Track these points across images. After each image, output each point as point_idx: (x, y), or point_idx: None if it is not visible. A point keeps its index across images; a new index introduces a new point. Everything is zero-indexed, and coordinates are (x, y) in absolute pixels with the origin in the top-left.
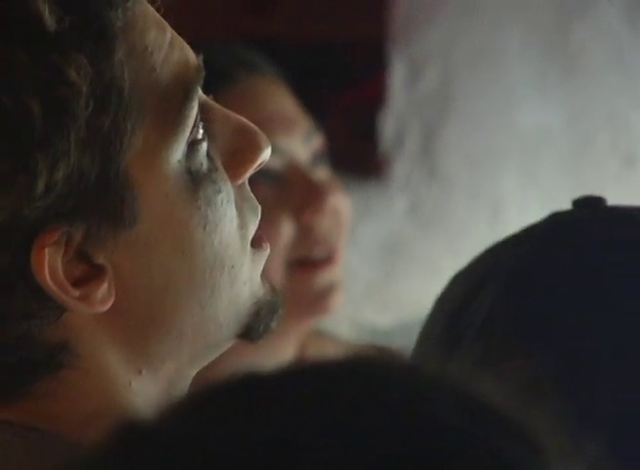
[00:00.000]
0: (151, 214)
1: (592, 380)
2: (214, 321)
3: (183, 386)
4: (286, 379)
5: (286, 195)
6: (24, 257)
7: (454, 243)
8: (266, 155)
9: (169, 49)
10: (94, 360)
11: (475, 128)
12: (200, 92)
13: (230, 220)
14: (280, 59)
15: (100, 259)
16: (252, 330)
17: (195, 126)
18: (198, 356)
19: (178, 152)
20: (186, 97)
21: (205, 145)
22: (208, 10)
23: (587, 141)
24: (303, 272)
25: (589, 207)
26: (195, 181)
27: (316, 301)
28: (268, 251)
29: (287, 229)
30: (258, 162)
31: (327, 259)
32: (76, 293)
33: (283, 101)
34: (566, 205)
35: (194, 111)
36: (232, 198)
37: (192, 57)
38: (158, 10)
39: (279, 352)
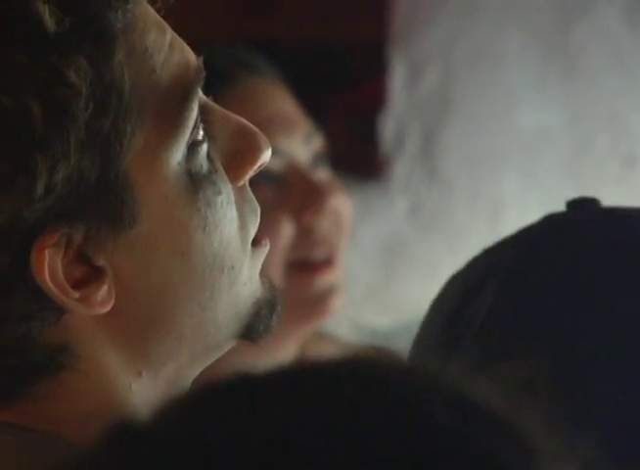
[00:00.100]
0: (150, 216)
1: (588, 380)
2: (214, 322)
3: (184, 387)
4: (285, 378)
5: (286, 196)
6: (24, 258)
7: (454, 244)
8: (267, 156)
9: (169, 50)
10: (94, 362)
11: (475, 130)
12: (200, 93)
13: (230, 222)
14: (280, 60)
15: (100, 261)
16: (253, 330)
17: (195, 128)
18: (198, 358)
19: (178, 153)
20: (186, 98)
21: (205, 146)
22: (209, 11)
23: (587, 142)
24: (303, 275)
25: (583, 208)
26: (195, 183)
27: (316, 304)
28: (268, 247)
29: (287, 230)
30: (259, 163)
31: (327, 262)
32: (76, 294)
33: (283, 102)
34: (564, 206)
35: (194, 112)
36: (232, 199)
37: (192, 58)
38: (158, 11)
39: (279, 355)
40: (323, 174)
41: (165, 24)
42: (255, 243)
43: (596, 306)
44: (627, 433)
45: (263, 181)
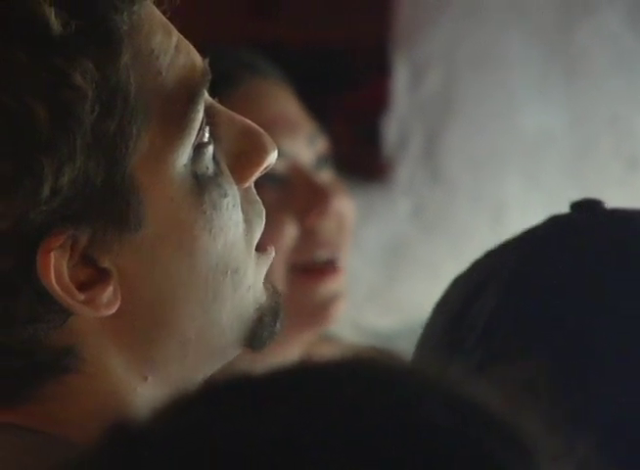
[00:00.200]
0: (156, 218)
1: (591, 382)
2: (218, 326)
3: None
4: (288, 378)
5: (289, 198)
6: (30, 260)
7: (457, 246)
8: (273, 157)
9: (175, 52)
10: (100, 365)
11: (477, 131)
12: (206, 95)
13: (235, 224)
14: (284, 62)
15: (105, 263)
16: (256, 337)
17: (201, 130)
18: (203, 363)
19: (184, 156)
20: (192, 100)
21: (210, 148)
22: (213, 13)
23: (590, 144)
24: (307, 281)
25: (588, 209)
26: (200, 185)
27: (319, 311)
28: (273, 255)
29: (290, 232)
30: (265, 164)
31: (330, 265)
32: (82, 297)
33: (287, 104)
34: (568, 208)
35: (200, 114)
36: (238, 202)
37: (198, 60)
38: (164, 13)
39: (282, 360)
40: (326, 176)
41: (171, 26)
42: (260, 249)
43: (600, 308)
44: (630, 435)
45: (267, 183)
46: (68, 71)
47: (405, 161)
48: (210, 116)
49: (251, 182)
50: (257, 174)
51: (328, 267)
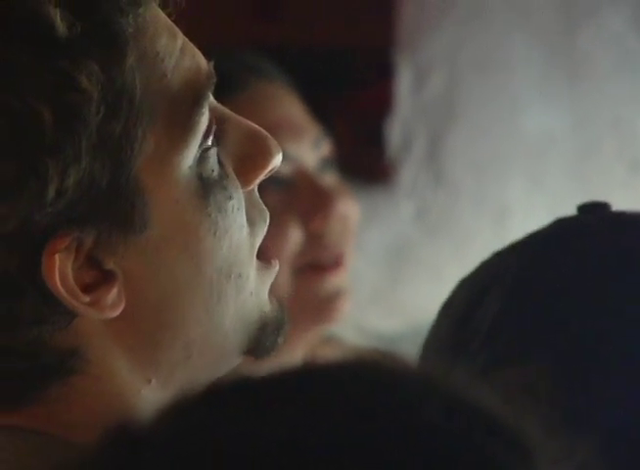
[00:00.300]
0: (161, 220)
1: (594, 386)
2: (221, 329)
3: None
4: (291, 381)
5: (294, 201)
6: (35, 262)
7: (460, 248)
8: (277, 161)
9: (180, 55)
10: (104, 366)
11: (480, 134)
12: (211, 98)
13: (240, 227)
14: (287, 64)
15: (110, 265)
16: (259, 344)
17: (206, 132)
18: (206, 367)
19: (189, 158)
20: (197, 103)
21: (215, 151)
22: (218, 16)
23: (593, 147)
24: (310, 277)
25: (594, 212)
26: (205, 187)
27: (324, 307)
28: (277, 268)
29: (295, 235)
30: (269, 167)
31: (334, 264)
32: (87, 298)
33: (292, 107)
34: (571, 210)
35: (205, 117)
36: (243, 205)
37: (203, 63)
38: (169, 16)
39: (286, 359)
40: (331, 179)
41: (176, 29)
42: (264, 261)
43: (604, 312)
44: (632, 438)
45: (271, 186)
46: (73, 74)
47: (408, 163)
48: (216, 118)
49: (255, 185)
50: (262, 177)
51: (331, 264)
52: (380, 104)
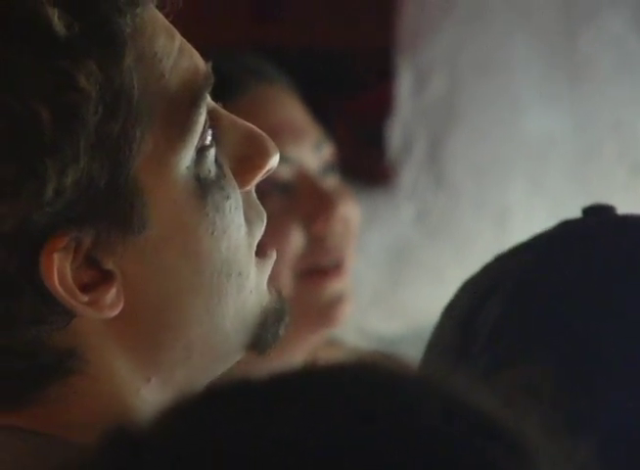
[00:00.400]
0: (160, 220)
1: (598, 387)
2: (222, 330)
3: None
4: (290, 382)
5: (295, 204)
6: (34, 262)
7: (460, 251)
8: (275, 161)
9: (178, 56)
10: (103, 367)
11: (481, 136)
12: (208, 99)
13: (238, 227)
14: (288, 67)
15: (109, 265)
16: (260, 340)
17: (203, 133)
18: (207, 367)
19: (187, 158)
20: (194, 103)
21: (213, 151)
22: (218, 18)
23: (594, 149)
24: (312, 282)
25: (599, 215)
26: (203, 188)
27: (325, 312)
28: (274, 258)
29: (297, 239)
30: (267, 168)
31: (336, 268)
32: (85, 298)
33: (293, 110)
34: (572, 213)
35: (202, 117)
36: (240, 205)
37: (201, 64)
38: (167, 16)
39: (288, 362)
40: (332, 182)
41: (174, 30)
42: (261, 253)
43: (608, 314)
44: (634, 440)
45: (273, 189)
46: (72, 73)
47: (409, 165)
48: (213, 119)
49: (253, 185)
50: (259, 178)
51: (333, 269)
52: (380, 106)
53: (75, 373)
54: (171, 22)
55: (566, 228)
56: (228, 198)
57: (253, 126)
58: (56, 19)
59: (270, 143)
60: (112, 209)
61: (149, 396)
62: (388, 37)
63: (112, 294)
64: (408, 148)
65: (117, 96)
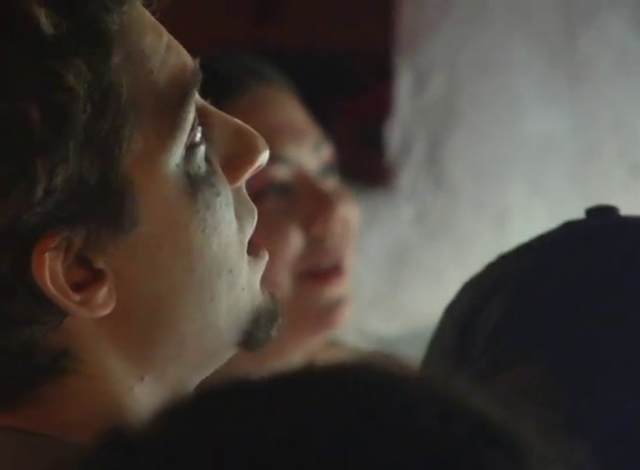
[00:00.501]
0: (150, 218)
1: (597, 388)
2: (215, 327)
3: (186, 393)
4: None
5: (294, 206)
6: (25, 262)
7: (460, 252)
8: (264, 157)
9: (166, 52)
10: (97, 365)
11: (480, 137)
12: (197, 96)
13: (229, 224)
14: (287, 67)
15: (100, 264)
16: (252, 338)
17: (193, 130)
18: (200, 364)
19: (176, 155)
20: (183, 100)
21: (202, 148)
22: (218, 19)
23: (594, 150)
24: (312, 285)
25: (602, 216)
26: (193, 185)
27: (325, 315)
28: (267, 258)
29: (296, 240)
30: (257, 164)
31: (335, 271)
32: (77, 297)
33: (292, 111)
34: (572, 214)
35: (191, 114)
36: (231, 201)
37: (189, 60)
38: (154, 14)
39: (288, 364)
40: (331, 183)
41: (161, 27)
42: (254, 253)
43: (608, 314)
44: (633, 440)
45: (272, 191)
46: (60, 72)
47: (408, 166)
48: (202, 116)
49: (242, 182)
50: (249, 174)
51: (333, 271)
52: (380, 106)
53: (70, 373)
54: (171, 22)
55: (568, 229)
56: (218, 195)
57: (243, 123)
58: (44, 18)
59: (260, 139)
60: (102, 207)
61: (142, 394)
62: (387, 38)
63: (103, 292)
64: (408, 148)
65: (106, 94)
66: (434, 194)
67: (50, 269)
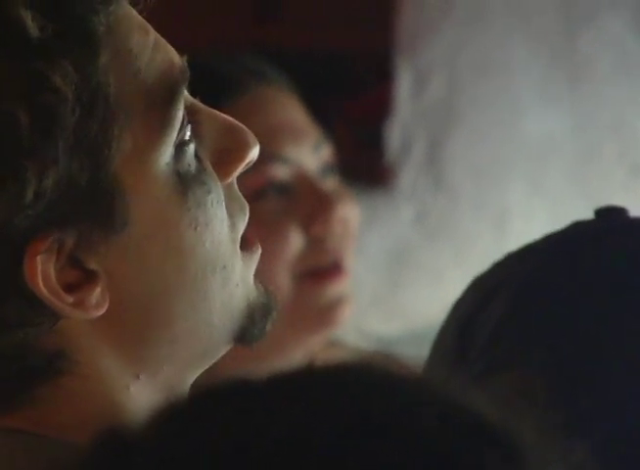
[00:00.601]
0: (142, 218)
1: (598, 388)
2: (209, 324)
3: (182, 391)
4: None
5: (294, 206)
6: (17, 265)
7: (460, 252)
8: (254, 153)
9: (153, 51)
10: (92, 366)
11: (480, 138)
12: (186, 94)
13: (220, 221)
14: (287, 68)
15: (92, 265)
16: (247, 333)
17: (182, 128)
18: (195, 361)
19: (166, 154)
20: (172, 98)
21: (192, 146)
22: (218, 19)
23: (593, 151)
24: (311, 283)
25: (610, 217)
26: (184, 183)
27: (325, 315)
28: (259, 252)
29: (296, 240)
30: (247, 160)
31: (335, 270)
32: (70, 299)
33: (292, 111)
34: (572, 214)
35: (180, 112)
36: (222, 198)
37: (176, 58)
38: (140, 12)
39: (288, 364)
40: (331, 183)
41: (148, 25)
42: (247, 247)
43: (608, 314)
44: (633, 440)
45: (272, 191)
46: (47, 74)
47: (408, 167)
48: (191, 114)
49: (234, 178)
50: (240, 170)
51: (333, 271)
52: (379, 107)
53: (65, 374)
54: (171, 22)
55: (575, 230)
56: (209, 192)
57: (232, 119)
58: (29, 21)
59: (250, 135)
60: (93, 208)
61: (138, 393)
62: (387, 38)
63: (96, 293)
64: (407, 149)
65: (94, 95)
66: (433, 194)
67: (42, 272)
